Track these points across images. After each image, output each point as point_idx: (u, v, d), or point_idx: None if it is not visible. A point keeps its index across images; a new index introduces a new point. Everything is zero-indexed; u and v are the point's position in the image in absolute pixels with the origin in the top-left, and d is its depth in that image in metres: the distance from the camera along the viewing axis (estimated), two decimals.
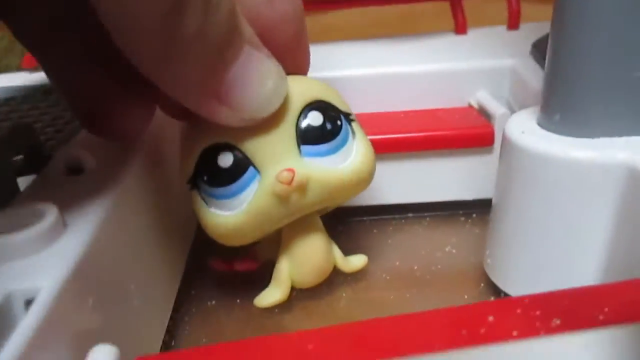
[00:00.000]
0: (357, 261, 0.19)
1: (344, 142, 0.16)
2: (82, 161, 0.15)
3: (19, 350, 0.09)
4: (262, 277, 0.18)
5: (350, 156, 0.16)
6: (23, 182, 0.15)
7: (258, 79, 0.13)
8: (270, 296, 0.17)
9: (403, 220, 0.22)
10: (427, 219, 0.22)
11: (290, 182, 0.15)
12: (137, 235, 0.15)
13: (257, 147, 0.15)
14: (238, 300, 0.19)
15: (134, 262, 0.15)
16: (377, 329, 0.11)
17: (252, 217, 0.15)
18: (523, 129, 0.16)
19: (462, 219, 0.22)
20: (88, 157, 0.15)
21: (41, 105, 0.22)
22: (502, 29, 0.29)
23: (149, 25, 0.11)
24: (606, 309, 0.11)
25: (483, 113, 0.22)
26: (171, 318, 0.17)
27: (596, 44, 0.14)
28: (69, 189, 0.14)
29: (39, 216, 0.12)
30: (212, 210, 0.16)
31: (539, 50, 0.22)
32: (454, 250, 0.20)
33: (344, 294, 0.18)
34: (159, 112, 0.17)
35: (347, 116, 0.17)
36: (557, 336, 0.10)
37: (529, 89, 0.20)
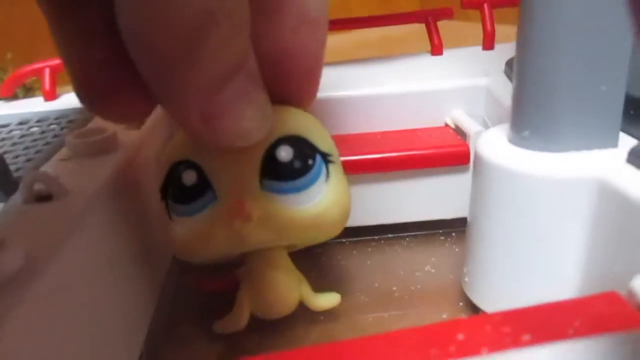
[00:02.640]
0: (327, 300, 0.18)
1: (311, 183, 0.15)
2: (49, 188, 0.15)
3: None
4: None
5: (317, 198, 0.15)
6: None
7: (246, 112, 0.13)
8: (228, 323, 0.17)
9: (382, 241, 0.22)
10: (407, 238, 0.22)
11: (241, 214, 0.14)
12: (108, 261, 0.15)
13: (220, 173, 0.15)
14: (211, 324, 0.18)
15: (105, 288, 0.14)
16: (346, 349, 0.11)
17: (204, 241, 0.15)
18: (494, 145, 0.16)
19: (442, 238, 0.22)
20: (55, 184, 0.15)
21: (15, 135, 0.22)
22: (477, 49, 0.29)
23: (168, 41, 0.11)
24: (577, 323, 0.11)
25: (459, 132, 0.22)
26: (146, 341, 0.17)
27: (561, 59, 0.14)
28: (36, 217, 0.14)
29: (0, 245, 0.12)
30: (173, 225, 0.16)
31: (512, 68, 0.22)
32: (433, 270, 0.20)
33: (321, 317, 0.18)
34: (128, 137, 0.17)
35: (326, 156, 0.16)
36: (526, 350, 0.10)
37: (503, 106, 0.20)
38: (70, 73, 0.15)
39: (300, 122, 0.16)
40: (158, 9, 0.11)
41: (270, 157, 0.15)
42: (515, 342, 0.10)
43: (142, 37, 0.12)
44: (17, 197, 0.15)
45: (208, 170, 0.15)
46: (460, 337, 0.11)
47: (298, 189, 0.15)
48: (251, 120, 0.13)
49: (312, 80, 0.16)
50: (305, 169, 0.15)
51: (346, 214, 0.16)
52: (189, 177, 0.15)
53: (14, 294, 0.11)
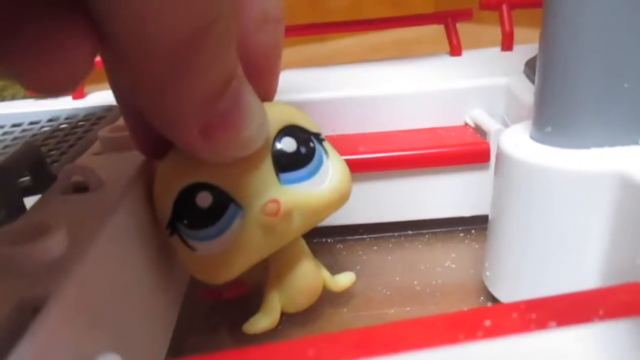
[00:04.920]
0: (345, 279, 0.19)
1: (319, 164, 0.16)
2: (86, 180, 0.15)
3: (27, 355, 0.09)
4: (253, 301, 0.18)
5: (328, 176, 0.16)
6: (29, 202, 0.15)
7: (245, 117, 0.13)
8: (260, 322, 0.17)
9: (403, 237, 0.23)
10: (427, 235, 0.23)
11: (276, 213, 0.15)
12: (140, 248, 0.15)
13: (237, 183, 0.15)
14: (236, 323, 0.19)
15: (137, 274, 0.15)
16: (376, 333, 0.11)
17: (240, 253, 0.15)
18: (516, 142, 0.16)
19: (461, 234, 0.22)
20: (92, 175, 0.15)
21: (46, 130, 0.23)
22: (496, 50, 0.29)
23: (161, 51, 0.11)
24: (601, 311, 0.11)
25: (479, 130, 0.22)
26: (175, 334, 0.17)
27: (585, 57, 0.15)
28: (74, 206, 0.15)
29: (45, 231, 0.12)
30: (198, 253, 0.15)
31: (531, 68, 0.23)
32: (453, 265, 0.20)
33: (344, 310, 0.19)
34: None
35: (317, 136, 0.16)
36: (553, 331, 0.10)
37: (522, 105, 0.21)
38: None
39: (287, 111, 0.16)
40: (147, 32, 0.11)
41: (277, 151, 0.15)
42: (541, 328, 0.11)
43: (136, 37, 0.11)
44: (53, 188, 0.16)
45: (224, 185, 0.15)
46: (488, 323, 0.11)
47: (313, 173, 0.16)
48: (251, 125, 0.13)
49: (276, 75, 0.17)
50: (311, 153, 0.16)
51: (351, 182, 0.17)
52: (204, 199, 0.15)
53: (58, 276, 0.11)
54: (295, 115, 0.16)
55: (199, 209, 0.15)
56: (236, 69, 0.13)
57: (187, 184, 0.15)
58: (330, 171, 0.16)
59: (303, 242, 0.18)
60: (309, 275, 0.17)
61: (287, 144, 0.15)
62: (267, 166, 0.15)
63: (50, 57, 0.10)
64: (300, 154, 0.16)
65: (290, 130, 0.16)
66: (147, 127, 0.14)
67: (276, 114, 0.16)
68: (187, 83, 0.12)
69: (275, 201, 0.15)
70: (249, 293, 0.19)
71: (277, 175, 0.15)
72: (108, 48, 0.11)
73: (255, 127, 0.14)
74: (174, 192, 0.15)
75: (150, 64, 0.11)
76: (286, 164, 0.15)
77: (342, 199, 0.16)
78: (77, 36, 0.10)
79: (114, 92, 0.15)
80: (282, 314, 0.17)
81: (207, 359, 0.11)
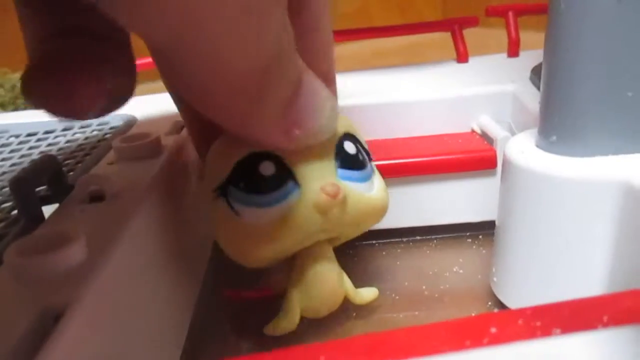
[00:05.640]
0: (368, 294, 0.19)
1: (371, 173, 0.17)
2: (103, 189, 0.16)
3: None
4: (275, 306, 0.18)
5: (376, 188, 0.17)
6: (47, 210, 0.16)
7: (319, 105, 0.14)
8: (280, 324, 0.18)
9: (411, 243, 0.23)
10: (435, 241, 0.23)
11: (335, 195, 0.15)
12: (156, 257, 0.16)
13: (300, 162, 0.15)
14: (251, 326, 0.19)
15: (153, 280, 0.15)
16: (385, 340, 0.11)
17: (287, 229, 0.15)
18: (522, 149, 0.17)
19: (469, 240, 0.23)
20: (108, 185, 0.16)
21: (60, 139, 0.23)
22: (502, 56, 0.30)
23: (239, 83, 0.12)
24: (605, 318, 0.11)
25: (485, 137, 0.23)
26: (188, 340, 0.18)
27: (589, 66, 0.15)
28: (91, 215, 0.15)
29: (65, 240, 0.13)
30: (244, 220, 0.15)
31: (537, 75, 0.23)
32: (461, 271, 0.21)
33: (354, 314, 0.19)
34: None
35: (368, 154, 0.18)
36: (557, 338, 0.10)
37: (529, 112, 0.21)
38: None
39: (348, 122, 0.17)
40: (219, 69, 0.12)
41: (340, 149, 0.16)
42: (546, 335, 0.11)
43: (210, 94, 0.12)
44: (71, 198, 0.16)
45: (288, 161, 0.15)
46: (493, 330, 0.11)
47: (366, 178, 0.17)
48: (325, 111, 0.14)
49: (331, 82, 0.17)
50: (365, 162, 0.17)
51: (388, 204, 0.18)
52: (268, 168, 0.15)
53: (79, 284, 0.12)
54: (355, 129, 0.17)
55: (260, 175, 0.15)
56: (303, 70, 0.14)
57: (253, 151, 0.15)
58: (377, 185, 0.17)
59: (330, 250, 0.18)
60: (331, 284, 0.17)
61: (349, 147, 0.17)
62: (330, 157, 0.16)
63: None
64: (358, 158, 0.17)
65: (352, 137, 0.17)
66: (207, 130, 0.16)
67: (344, 119, 0.17)
68: (264, 103, 0.13)
69: (335, 184, 0.15)
70: (272, 299, 0.19)
71: (337, 169, 0.16)
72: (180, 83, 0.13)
73: (328, 112, 0.15)
74: (238, 156, 0.15)
75: (228, 96, 0.12)
76: (346, 161, 0.16)
77: (381, 214, 0.17)
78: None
79: (174, 97, 0.16)
80: (302, 317, 0.18)
81: None
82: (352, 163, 0.16)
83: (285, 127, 0.14)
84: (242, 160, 0.15)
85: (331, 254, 0.18)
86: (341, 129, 0.17)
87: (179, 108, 0.17)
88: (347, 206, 0.16)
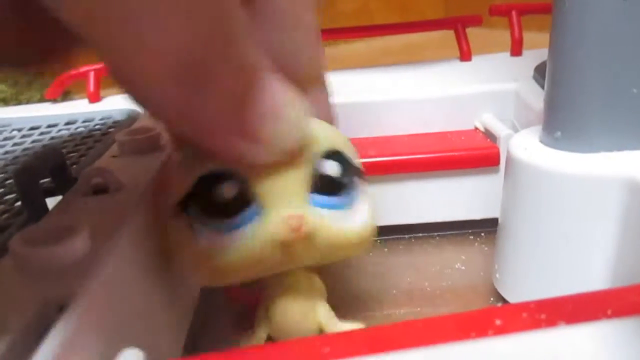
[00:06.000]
0: (349, 328, 0.16)
1: (355, 199, 0.15)
2: (106, 182, 0.16)
3: (53, 351, 0.10)
4: None
5: (359, 216, 0.15)
6: (51, 202, 0.16)
7: (278, 107, 0.13)
8: (247, 340, 0.16)
9: (413, 240, 0.23)
10: (437, 238, 0.23)
11: (298, 230, 0.13)
12: (159, 250, 0.16)
13: (266, 183, 0.14)
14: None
15: (155, 275, 0.15)
16: (389, 331, 0.11)
17: (242, 258, 0.14)
18: (526, 146, 0.17)
19: (471, 237, 0.23)
20: (112, 178, 0.16)
21: (64, 133, 0.23)
22: (505, 55, 0.30)
23: (172, 71, 0.11)
24: (609, 311, 0.11)
25: (488, 135, 0.23)
26: (189, 333, 0.18)
27: (594, 62, 0.15)
28: (95, 208, 0.15)
29: (69, 232, 0.13)
30: (201, 243, 0.14)
31: (541, 73, 0.23)
32: (463, 267, 0.21)
33: (355, 310, 0.19)
34: None
35: (359, 175, 0.15)
36: (562, 329, 0.10)
37: (532, 110, 0.21)
38: None
39: (336, 137, 0.15)
40: (141, 56, 0.11)
41: (317, 171, 0.14)
42: (551, 326, 0.11)
43: (140, 84, 0.11)
44: (74, 190, 0.16)
45: (253, 182, 0.14)
46: (498, 322, 0.11)
47: (344, 205, 0.15)
48: (284, 119, 0.13)
49: (323, 96, 0.16)
50: (350, 185, 0.15)
51: (373, 235, 0.16)
52: (230, 190, 0.14)
53: (82, 276, 0.12)
54: (344, 144, 0.15)
55: (220, 197, 0.14)
56: (258, 60, 0.12)
57: (215, 169, 0.14)
58: (361, 213, 0.15)
59: (304, 278, 0.16)
60: (295, 318, 0.16)
61: (331, 168, 0.14)
62: (302, 179, 0.14)
63: None
64: (340, 182, 0.15)
65: (338, 157, 0.15)
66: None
67: (330, 135, 0.15)
68: (205, 96, 0.12)
69: (299, 216, 0.13)
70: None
71: (310, 193, 0.14)
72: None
73: (292, 117, 0.13)
74: (199, 172, 0.14)
75: (158, 86, 0.11)
76: (323, 185, 0.14)
77: (359, 247, 0.15)
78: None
79: None
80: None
81: (222, 356, 0.12)
82: (329, 187, 0.14)
83: (236, 130, 0.12)
84: (205, 176, 0.14)
85: (305, 282, 0.16)
86: (324, 144, 0.14)
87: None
88: (316, 239, 0.14)
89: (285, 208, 0.14)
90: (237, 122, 0.12)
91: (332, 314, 0.16)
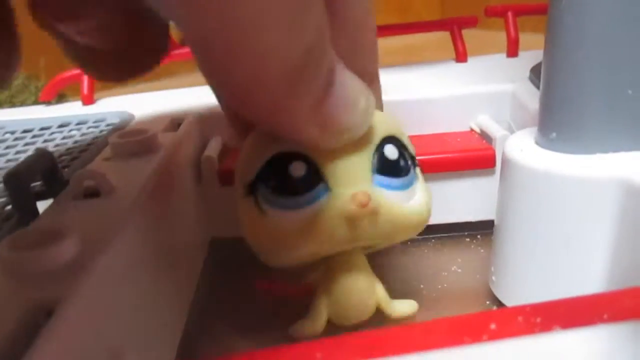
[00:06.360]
0: (404, 307, 0.18)
1: (411, 182, 0.16)
2: (98, 185, 0.16)
3: (41, 357, 0.09)
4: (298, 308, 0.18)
5: (416, 197, 0.16)
6: (42, 206, 0.15)
7: (352, 98, 0.14)
8: (305, 327, 0.17)
9: (409, 242, 0.23)
10: (433, 240, 0.23)
11: (365, 205, 0.14)
12: (150, 254, 0.16)
13: (333, 165, 0.15)
14: (247, 326, 0.19)
15: (146, 280, 0.15)
16: (382, 336, 0.11)
17: (313, 236, 0.15)
18: (521, 147, 0.17)
19: (467, 239, 0.23)
20: (103, 181, 0.16)
21: (57, 136, 0.23)
22: (501, 56, 0.30)
23: (274, 80, 0.12)
24: (605, 315, 0.11)
25: (484, 136, 0.23)
26: (183, 339, 0.17)
27: (589, 63, 0.15)
28: (86, 211, 0.15)
29: (58, 235, 0.12)
30: (270, 221, 0.15)
31: (537, 74, 0.23)
32: (459, 270, 0.21)
33: None
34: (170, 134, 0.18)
35: (413, 159, 0.16)
36: (557, 334, 0.10)
37: (528, 111, 0.21)
38: None
39: (394, 124, 0.16)
40: (257, 65, 0.11)
41: (378, 153, 0.15)
42: (546, 331, 0.11)
43: (246, 90, 0.12)
44: (66, 193, 0.16)
45: (321, 163, 0.15)
46: (493, 326, 0.11)
47: (405, 186, 0.16)
48: (358, 105, 0.14)
49: (372, 49, 0.17)
50: (407, 168, 0.16)
51: (430, 215, 0.17)
52: (298, 169, 0.15)
53: (71, 280, 0.11)
54: (401, 131, 0.16)
55: (290, 176, 0.15)
56: (334, 56, 0.13)
57: (284, 149, 0.15)
58: (417, 195, 0.16)
59: (363, 258, 0.17)
60: (359, 294, 0.17)
61: (390, 151, 0.15)
62: (366, 161, 0.15)
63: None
64: (399, 164, 0.16)
65: (395, 141, 0.16)
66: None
67: (387, 121, 0.16)
68: (298, 98, 0.12)
69: (366, 193, 0.14)
70: (302, 298, 0.18)
71: (372, 174, 0.15)
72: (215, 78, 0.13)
73: (362, 106, 0.14)
74: (269, 153, 0.15)
75: (263, 91, 0.12)
76: (384, 168, 0.15)
77: (418, 227, 0.16)
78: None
79: (215, 92, 0.16)
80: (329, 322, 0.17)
81: None
82: (390, 169, 0.15)
83: (317, 121, 0.13)
84: (273, 158, 0.15)
85: (364, 262, 0.17)
86: (383, 131, 0.16)
87: (218, 99, 0.17)
88: (379, 217, 0.15)
89: (352, 187, 0.15)
90: (318, 113, 0.13)
91: (387, 294, 0.17)
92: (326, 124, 0.13)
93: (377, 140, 0.15)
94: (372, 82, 0.16)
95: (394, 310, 0.18)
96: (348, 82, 0.14)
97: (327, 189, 0.15)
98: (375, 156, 0.15)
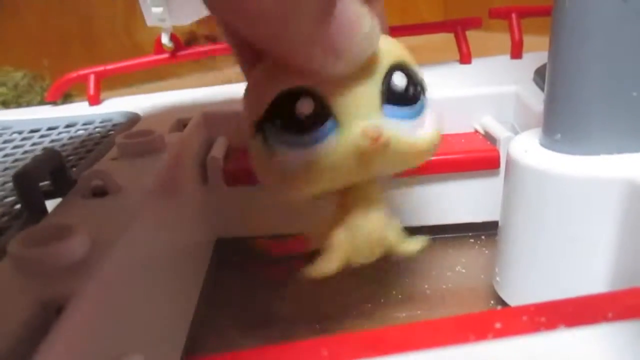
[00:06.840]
0: (412, 243, 0.17)
1: (421, 109, 0.15)
2: (106, 184, 0.16)
3: (52, 352, 0.10)
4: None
5: (424, 125, 0.16)
6: (50, 205, 0.16)
7: (354, 21, 0.13)
8: (321, 266, 0.16)
9: None
10: (437, 241, 0.23)
11: (377, 140, 0.14)
12: (157, 252, 0.16)
13: (342, 97, 0.14)
14: (252, 322, 0.19)
15: (153, 277, 0.15)
16: (388, 334, 0.11)
17: (323, 172, 0.14)
18: (526, 148, 0.17)
19: (471, 240, 0.23)
20: (111, 181, 0.16)
21: (64, 136, 0.23)
22: (505, 58, 0.30)
23: (272, 18, 0.12)
24: (610, 314, 0.11)
25: (488, 137, 0.23)
26: (189, 335, 0.17)
27: (594, 65, 0.15)
28: (94, 210, 0.15)
29: (68, 233, 0.13)
30: (280, 160, 0.15)
31: (541, 76, 0.23)
32: (463, 270, 0.21)
33: (354, 312, 0.19)
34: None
35: (422, 85, 0.16)
36: (561, 332, 0.10)
37: (532, 113, 0.21)
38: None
39: (400, 51, 0.16)
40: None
41: (387, 82, 0.15)
42: (550, 329, 0.11)
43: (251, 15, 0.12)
44: (74, 192, 0.16)
45: (328, 97, 0.14)
46: (498, 325, 0.11)
47: (415, 115, 0.15)
48: (362, 29, 0.13)
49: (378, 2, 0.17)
50: (417, 95, 0.15)
51: (440, 140, 0.16)
52: (307, 106, 0.14)
53: (81, 277, 0.12)
54: (409, 58, 0.16)
55: (298, 114, 0.14)
56: None
57: (291, 86, 0.14)
58: (428, 123, 0.16)
59: (378, 191, 0.17)
60: (376, 224, 0.16)
61: (398, 79, 0.15)
62: (374, 92, 0.14)
63: None
64: (408, 92, 0.15)
65: (404, 67, 0.15)
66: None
67: (394, 47, 0.15)
68: (296, 18, 0.12)
69: (377, 127, 0.14)
70: (305, 254, 0.17)
71: (382, 104, 0.15)
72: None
73: (366, 29, 0.13)
74: (275, 91, 0.14)
75: (262, 14, 0.12)
76: (393, 97, 0.15)
77: (429, 154, 0.16)
78: None
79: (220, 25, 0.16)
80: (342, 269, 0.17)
81: (222, 358, 0.12)
82: (400, 98, 0.15)
83: (321, 43, 0.13)
84: (281, 95, 0.14)
85: (378, 197, 0.17)
86: (390, 58, 0.15)
87: (223, 31, 0.17)
88: (391, 148, 0.14)
89: (362, 120, 0.14)
90: (320, 35, 0.13)
91: (399, 229, 0.17)
92: (330, 46, 0.13)
93: (384, 69, 0.15)
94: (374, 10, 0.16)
95: (403, 246, 0.17)
96: (349, 3, 0.13)
97: (336, 124, 0.14)
98: (384, 85, 0.15)
